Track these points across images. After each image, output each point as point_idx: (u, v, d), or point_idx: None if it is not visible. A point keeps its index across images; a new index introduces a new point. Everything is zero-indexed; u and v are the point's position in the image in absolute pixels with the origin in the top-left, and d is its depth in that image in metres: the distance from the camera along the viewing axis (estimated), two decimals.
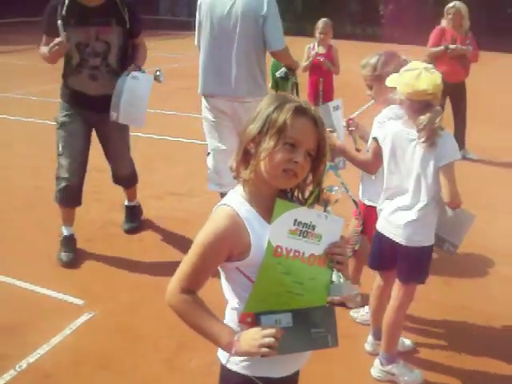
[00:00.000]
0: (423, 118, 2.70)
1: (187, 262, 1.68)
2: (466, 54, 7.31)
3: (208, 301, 1.72)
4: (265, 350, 1.56)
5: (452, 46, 7.24)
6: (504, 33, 25.63)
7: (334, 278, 1.70)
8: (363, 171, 3.42)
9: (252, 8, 4.14)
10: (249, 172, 1.67)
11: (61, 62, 4.21)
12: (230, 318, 1.76)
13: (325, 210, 1.75)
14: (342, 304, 3.78)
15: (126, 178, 4.78)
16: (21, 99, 10.34)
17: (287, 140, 1.62)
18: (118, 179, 4.76)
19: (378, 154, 3.12)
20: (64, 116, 4.29)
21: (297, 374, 1.87)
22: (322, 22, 7.31)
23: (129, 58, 4.37)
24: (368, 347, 3.40)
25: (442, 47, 7.29)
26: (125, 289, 4.00)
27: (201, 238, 1.66)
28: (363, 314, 3.68)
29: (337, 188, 1.78)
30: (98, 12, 4.11)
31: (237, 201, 1.68)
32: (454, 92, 7.44)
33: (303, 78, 7.18)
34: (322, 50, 7.23)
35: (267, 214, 1.65)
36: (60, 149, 4.27)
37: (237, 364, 1.74)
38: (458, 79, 7.42)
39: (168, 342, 3.43)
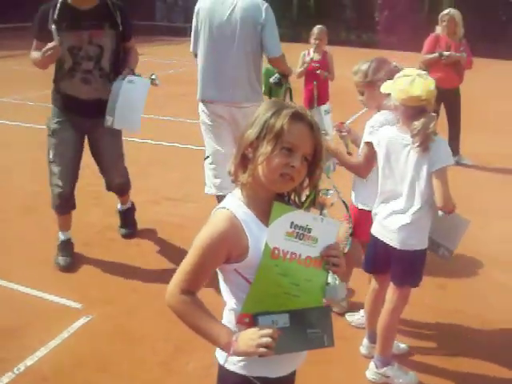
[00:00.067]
0: (417, 124, 2.76)
1: (186, 263, 1.71)
2: (460, 61, 7.38)
3: (206, 302, 1.75)
4: (262, 349, 1.59)
5: (446, 53, 7.31)
6: (498, 40, 25.79)
7: (330, 279, 1.74)
8: (355, 175, 3.47)
9: (251, 15, 4.22)
10: (247, 176, 1.71)
11: (51, 67, 4.17)
12: (228, 318, 1.80)
13: (321, 213, 1.79)
14: None
15: (120, 187, 4.70)
16: (18, 104, 10.38)
17: (284, 145, 1.66)
18: (112, 188, 4.69)
19: (369, 158, 3.19)
20: (56, 123, 4.23)
21: (293, 374, 1.90)
22: (317, 29, 7.39)
23: (121, 61, 4.33)
24: (363, 350, 3.44)
25: (436, 54, 7.36)
26: (122, 292, 4.03)
27: (200, 240, 1.70)
28: (358, 317, 3.72)
29: (332, 192, 1.82)
30: (90, 15, 4.07)
31: (235, 204, 1.72)
32: (448, 98, 7.50)
33: (298, 84, 7.25)
34: (316, 57, 7.29)
35: (265, 216, 1.69)
36: (51, 156, 4.23)
37: (234, 364, 1.77)
38: (452, 85, 7.48)
39: (165, 345, 3.46)
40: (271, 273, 1.66)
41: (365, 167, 3.28)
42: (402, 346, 3.48)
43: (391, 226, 2.97)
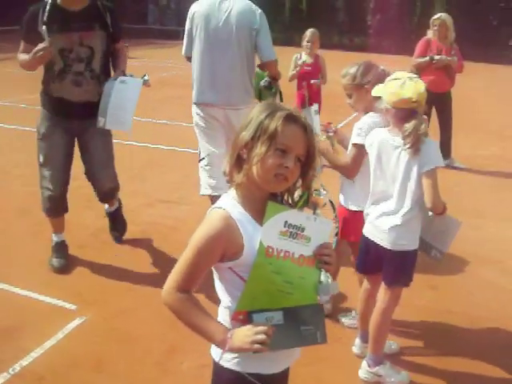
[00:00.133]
0: (408, 126, 2.81)
1: (182, 262, 1.75)
2: (451, 65, 7.45)
3: (201, 300, 1.79)
4: (257, 346, 1.63)
5: (437, 57, 7.38)
6: (490, 44, 25.95)
7: (323, 278, 1.77)
8: (342, 176, 3.52)
9: (246, 20, 4.33)
10: (242, 176, 1.75)
11: (39, 69, 4.11)
12: (223, 316, 1.83)
13: (314, 213, 1.83)
14: None
15: (111, 192, 4.58)
16: (11, 107, 10.39)
17: (278, 146, 1.70)
18: (103, 195, 4.53)
19: (357, 159, 3.28)
20: (45, 127, 4.20)
21: (287, 371, 1.94)
22: (309, 32, 7.45)
23: (111, 63, 4.33)
24: (356, 350, 3.48)
25: (427, 58, 7.43)
26: (116, 294, 4.06)
27: (195, 239, 1.73)
28: (351, 317, 3.76)
29: (325, 192, 1.86)
30: (80, 16, 4.02)
31: (230, 204, 1.76)
32: (440, 102, 7.57)
33: (290, 88, 7.30)
34: (309, 60, 7.33)
35: (259, 216, 1.73)
36: (41, 160, 4.21)
37: (229, 361, 1.80)
38: (443, 89, 7.55)
39: (160, 345, 3.48)
40: (265, 271, 1.70)
41: (352, 168, 3.35)
42: (394, 346, 3.52)
43: (382, 226, 3.02)
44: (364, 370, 3.25)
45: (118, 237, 4.90)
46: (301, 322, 1.75)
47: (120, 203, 4.97)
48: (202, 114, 4.52)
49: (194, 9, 4.46)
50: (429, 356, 3.51)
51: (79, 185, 4.45)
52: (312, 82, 6.77)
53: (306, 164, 1.77)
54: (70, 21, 3.98)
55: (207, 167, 4.53)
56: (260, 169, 1.71)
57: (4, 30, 21.20)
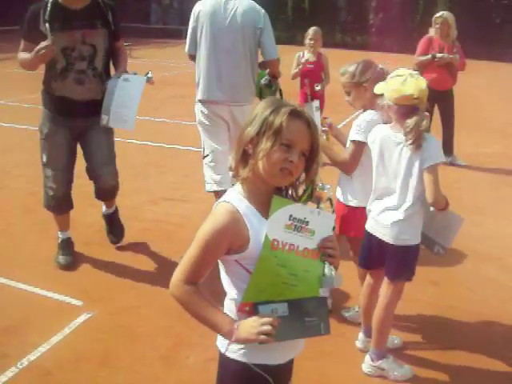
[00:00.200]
0: (410, 122, 2.85)
1: (189, 255, 1.79)
2: (453, 63, 7.48)
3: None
4: (263, 337, 1.68)
5: (439, 55, 7.42)
6: (492, 42, 25.98)
7: (327, 270, 1.81)
8: (341, 171, 3.57)
9: (250, 20, 4.45)
10: (247, 171, 1.79)
11: (39, 69, 4.09)
12: (229, 307, 1.87)
13: (317, 207, 1.87)
14: None
15: (112, 190, 4.52)
16: (14, 107, 10.44)
17: (283, 141, 1.74)
18: (103, 192, 4.49)
19: (355, 155, 3.35)
20: (48, 127, 4.19)
21: (291, 362, 1.98)
22: (312, 30, 7.47)
23: (113, 61, 4.34)
24: (359, 344, 3.52)
25: (429, 56, 7.47)
26: (122, 290, 4.10)
27: (202, 232, 1.77)
28: (354, 312, 3.80)
29: (329, 186, 1.90)
30: (82, 15, 4.01)
31: (236, 198, 1.80)
32: (442, 99, 7.61)
33: (292, 87, 7.34)
34: (311, 58, 7.36)
35: (264, 210, 1.77)
36: (44, 160, 4.23)
37: (235, 352, 1.84)
38: (445, 87, 7.59)
39: (165, 340, 3.53)
40: (270, 263, 1.74)
41: (351, 164, 3.41)
42: (397, 340, 3.56)
43: (385, 221, 3.07)
44: (367, 364, 3.29)
45: (115, 241, 4.81)
46: (305, 314, 1.79)
47: (116, 207, 4.88)
48: (206, 112, 4.57)
49: (198, 7, 4.53)
50: (431, 350, 3.55)
51: (82, 183, 4.48)
52: (316, 88, 6.77)
53: (310, 159, 1.81)
54: (72, 19, 3.97)
55: (211, 164, 4.59)
56: (266, 163, 1.75)
57: (4, 30, 21.27)
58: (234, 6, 4.45)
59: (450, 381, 3.27)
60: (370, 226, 3.20)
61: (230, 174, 1.92)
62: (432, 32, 7.75)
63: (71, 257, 4.46)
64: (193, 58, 4.69)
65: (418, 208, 3.01)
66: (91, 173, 4.37)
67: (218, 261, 1.85)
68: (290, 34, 26.60)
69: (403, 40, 23.10)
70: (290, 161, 1.74)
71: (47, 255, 4.49)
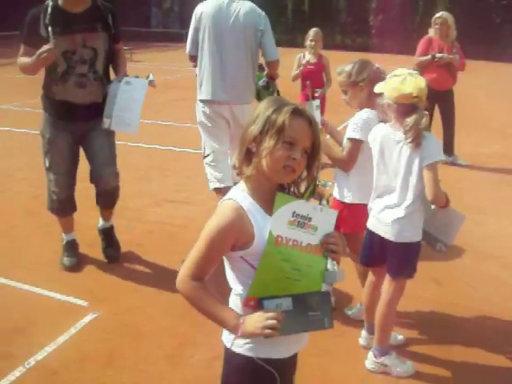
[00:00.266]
0: (409, 120, 2.90)
1: (196, 251, 1.83)
2: (453, 63, 7.52)
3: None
4: (268, 331, 1.72)
5: (439, 55, 7.45)
6: (492, 42, 26.00)
7: (329, 265, 1.85)
8: (337, 169, 3.62)
9: (252, 22, 4.58)
10: (252, 169, 1.83)
11: (39, 74, 4.08)
12: (234, 303, 1.91)
13: (320, 203, 1.91)
14: None
15: (112, 193, 4.43)
16: (17, 111, 10.50)
17: (286, 139, 1.78)
18: (105, 194, 4.42)
19: (352, 153, 3.43)
20: (49, 132, 4.19)
21: (295, 356, 2.01)
22: (312, 31, 7.48)
23: (113, 64, 4.33)
24: (362, 341, 3.56)
25: (429, 56, 7.50)
26: (126, 291, 4.14)
27: (208, 229, 1.81)
28: (356, 310, 3.84)
29: (330, 183, 1.94)
30: (82, 18, 4.00)
31: (240, 195, 1.84)
32: (443, 99, 7.65)
33: (294, 88, 7.38)
34: (312, 59, 7.38)
35: (268, 206, 1.81)
36: (47, 164, 4.24)
37: (241, 346, 1.88)
38: (445, 87, 7.63)
39: (169, 340, 3.56)
40: (275, 259, 1.78)
41: (348, 162, 3.48)
42: (400, 337, 3.59)
43: (386, 219, 3.11)
44: (370, 361, 3.32)
45: (113, 258, 4.59)
46: (309, 308, 1.83)
47: (112, 224, 4.76)
48: (208, 112, 4.66)
49: (201, 9, 4.64)
50: (433, 347, 3.58)
51: (86, 186, 4.49)
52: (317, 93, 6.76)
53: (311, 156, 1.85)
54: (72, 23, 3.96)
55: (213, 163, 4.68)
56: (269, 161, 1.79)
57: (5, 36, 21.33)
58: (236, 7, 4.57)
59: (452, 377, 3.31)
60: (372, 224, 3.24)
61: (234, 172, 1.96)
62: (431, 32, 7.79)
63: (76, 258, 4.50)
64: (193, 58, 4.81)
65: (419, 206, 3.05)
66: (93, 173, 4.35)
67: (223, 257, 1.89)
68: (290, 37, 26.67)
69: (403, 41, 23.13)
70: (293, 158, 1.79)
71: (52, 257, 4.54)
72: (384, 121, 3.17)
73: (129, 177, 6.58)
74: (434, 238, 3.21)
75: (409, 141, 2.92)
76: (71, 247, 4.57)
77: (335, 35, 28.68)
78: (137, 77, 4.27)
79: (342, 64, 3.64)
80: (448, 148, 7.95)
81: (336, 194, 3.65)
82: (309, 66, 7.33)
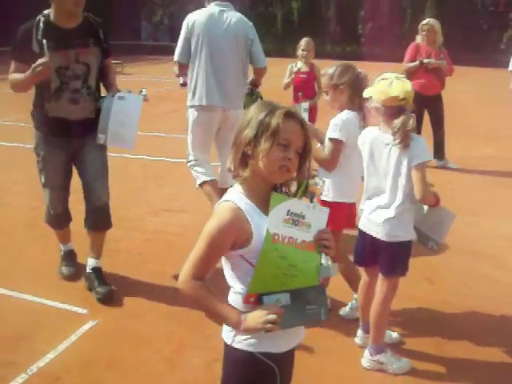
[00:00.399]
0: (397, 122, 3.00)
1: (196, 252, 1.90)
2: (441, 68, 7.65)
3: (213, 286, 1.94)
4: (269, 325, 1.80)
5: (426, 60, 7.59)
6: (480, 48, 26.25)
7: (323, 260, 1.93)
8: (320, 167, 3.72)
9: (243, 31, 4.85)
10: (248, 171, 1.91)
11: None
12: (234, 301, 1.97)
13: (311, 202, 2.00)
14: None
15: (103, 210, 4.26)
16: (11, 126, 10.57)
17: (281, 141, 1.87)
18: (96, 212, 4.24)
19: (334, 153, 3.55)
20: (43, 149, 4.15)
21: (293, 350, 2.09)
22: (304, 41, 7.53)
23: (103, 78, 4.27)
24: (358, 340, 3.63)
25: (417, 62, 7.64)
26: (126, 298, 4.20)
27: (208, 230, 1.89)
28: (348, 310, 3.93)
29: (321, 182, 2.03)
30: (75, 33, 3.96)
31: (236, 196, 1.92)
32: (431, 104, 7.79)
33: (285, 97, 7.46)
34: (304, 68, 7.45)
35: (264, 206, 1.89)
36: (43, 181, 4.24)
37: (240, 342, 1.96)
38: (434, 92, 7.76)
39: (169, 344, 3.63)
40: (272, 256, 1.85)
41: (331, 162, 3.60)
42: (394, 335, 3.67)
43: (377, 219, 3.20)
44: (366, 359, 3.39)
45: (109, 295, 4.17)
46: (306, 302, 1.91)
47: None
48: (201, 118, 4.93)
49: (193, 18, 4.84)
50: (428, 344, 3.66)
51: (81, 196, 4.52)
52: (308, 102, 6.82)
53: (302, 156, 1.94)
54: (65, 38, 3.92)
55: (197, 166, 5.10)
56: (266, 162, 1.87)
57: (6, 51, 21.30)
58: (227, 17, 4.80)
59: (447, 373, 3.38)
60: (363, 225, 3.33)
61: (229, 175, 2.04)
62: (419, 39, 7.93)
63: (74, 267, 4.55)
64: (182, 67, 5.01)
65: (408, 205, 3.14)
66: (86, 187, 4.26)
67: (223, 257, 1.96)
68: (279, 47, 26.85)
69: (392, 48, 23.34)
70: (289, 158, 1.87)
71: (51, 267, 4.59)
72: (365, 122, 3.35)
73: (127, 187, 6.68)
74: (425, 236, 3.29)
75: (397, 142, 3.02)
76: (69, 257, 4.62)
77: (325, 44, 28.89)
78: (129, 92, 4.24)
79: None
80: (439, 152, 8.07)
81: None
82: (301, 75, 7.35)
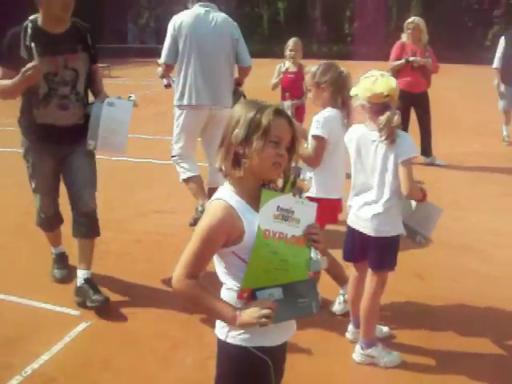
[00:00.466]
0: (382, 118, 3.06)
1: (189, 251, 1.94)
2: (426, 66, 7.73)
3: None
4: (264, 320, 1.85)
5: (411, 58, 7.67)
6: (465, 45, 26.43)
7: (313, 254, 1.98)
8: (304, 164, 3.76)
9: (229, 31, 5.00)
10: (242, 170, 1.94)
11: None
12: (226, 297, 2.01)
13: (300, 197, 2.05)
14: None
15: (90, 216, 4.18)
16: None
17: (272, 138, 1.91)
18: (83, 218, 4.15)
19: (317, 150, 3.62)
20: (31, 156, 4.13)
21: (285, 344, 2.13)
22: (291, 41, 7.52)
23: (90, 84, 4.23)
24: (349, 336, 3.68)
25: (403, 60, 7.71)
26: (117, 298, 4.22)
27: (200, 228, 1.93)
28: (337, 305, 3.98)
29: (309, 178, 2.07)
30: (63, 39, 3.92)
31: (227, 194, 1.96)
32: (418, 102, 7.87)
33: (273, 97, 7.50)
34: (292, 68, 7.47)
35: (254, 203, 1.93)
36: (33, 186, 4.23)
37: (234, 337, 2.00)
38: (420, 89, 7.84)
39: (162, 343, 3.66)
40: (264, 251, 1.90)
41: (314, 159, 3.66)
42: (385, 330, 3.72)
43: (365, 215, 3.26)
44: (358, 353, 3.44)
45: (106, 297, 4.07)
46: (298, 296, 1.96)
47: None
48: (187, 117, 5.06)
49: (180, 19, 4.93)
50: (417, 337, 3.72)
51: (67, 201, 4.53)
52: (294, 101, 6.84)
53: (289, 152, 1.99)
54: (54, 43, 3.87)
55: (182, 162, 5.27)
56: (259, 160, 1.91)
57: None
58: (213, 17, 4.93)
59: (437, 365, 3.44)
60: (351, 221, 3.39)
61: (219, 175, 2.08)
62: (404, 37, 8.00)
63: (66, 270, 4.56)
64: (168, 68, 5.09)
65: (396, 201, 3.20)
66: (72, 194, 4.19)
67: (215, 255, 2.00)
68: (266, 47, 26.88)
69: (379, 47, 23.46)
70: (281, 155, 1.92)
71: (43, 270, 4.61)
72: (348, 125, 3.49)
73: (115, 189, 6.70)
74: (413, 230, 3.35)
75: (383, 139, 3.08)
76: (61, 260, 4.64)
77: (312, 44, 28.93)
78: (119, 98, 4.21)
79: None
80: (426, 149, 8.15)
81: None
82: (289, 75, 7.33)
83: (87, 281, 4.14)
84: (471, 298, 4.23)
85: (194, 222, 5.50)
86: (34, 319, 3.95)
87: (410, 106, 7.80)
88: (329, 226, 3.95)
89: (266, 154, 1.90)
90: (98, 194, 4.27)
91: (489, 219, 5.90)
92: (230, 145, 1.96)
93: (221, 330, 2.04)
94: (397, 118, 3.04)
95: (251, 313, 1.87)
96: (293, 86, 7.28)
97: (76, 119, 4.08)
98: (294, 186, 2.04)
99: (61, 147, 4.11)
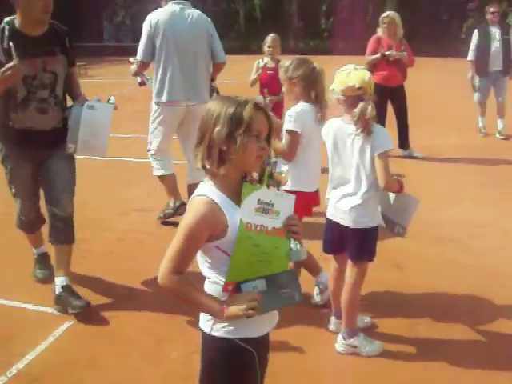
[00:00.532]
0: (356, 110, 3.12)
1: (174, 247, 1.97)
2: (402, 59, 7.81)
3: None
4: (250, 311, 1.90)
5: (387, 53, 7.74)
6: (441, 38, 26.63)
7: (292, 245, 2.02)
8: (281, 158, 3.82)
9: (204, 27, 5.10)
10: (227, 167, 1.97)
11: None
12: (210, 290, 2.04)
13: (278, 190, 2.09)
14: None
15: (67, 222, 4.15)
16: None
17: (254, 133, 1.95)
18: (60, 222, 4.10)
19: (291, 144, 3.71)
20: (10, 162, 4.08)
21: (268, 335, 2.18)
22: (270, 37, 7.50)
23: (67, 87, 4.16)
24: (331, 327, 3.73)
25: (378, 55, 7.79)
26: (100, 297, 4.24)
27: (184, 224, 1.95)
28: (315, 296, 4.04)
29: (286, 171, 2.12)
30: (41, 41, 3.85)
31: (209, 190, 1.99)
32: (395, 95, 7.96)
33: (251, 94, 7.53)
34: (270, 64, 7.48)
35: (235, 197, 1.97)
36: (13, 191, 4.20)
37: (219, 330, 2.04)
38: (396, 83, 7.92)
39: (146, 339, 3.69)
40: (246, 244, 1.94)
41: (289, 153, 3.75)
42: (367, 319, 3.79)
43: (343, 207, 3.32)
44: (340, 343, 3.50)
45: (89, 303, 4.00)
46: (280, 287, 2.01)
47: None
48: (165, 113, 5.15)
49: (156, 16, 4.98)
50: (398, 326, 3.80)
51: None
52: (271, 98, 6.86)
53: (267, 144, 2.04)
54: (32, 46, 3.80)
55: (157, 159, 5.45)
56: (243, 155, 1.95)
57: None
58: (188, 13, 5.03)
59: (418, 352, 3.52)
60: (330, 213, 3.45)
61: (198, 172, 2.10)
62: (380, 32, 8.07)
63: (48, 270, 4.55)
64: (144, 65, 5.14)
65: (373, 193, 3.27)
66: (51, 198, 4.13)
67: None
68: (243, 43, 26.85)
69: (355, 42, 23.57)
70: (262, 148, 1.98)
71: (25, 271, 4.60)
72: (322, 119, 3.61)
73: (95, 189, 6.69)
74: (391, 221, 3.41)
75: (359, 131, 3.13)
76: (43, 260, 4.64)
77: (288, 40, 28.91)
78: (98, 100, 4.17)
79: None
80: (403, 142, 8.24)
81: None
82: (268, 72, 7.30)
83: (65, 288, 4.07)
84: (448, 286, 4.32)
85: (164, 216, 5.56)
86: (17, 320, 3.96)
87: (387, 100, 7.90)
88: (307, 219, 4.01)
89: (250, 148, 1.94)
90: (77, 192, 4.27)
91: (465, 210, 6.00)
92: (212, 143, 1.97)
93: (205, 324, 2.08)
94: (371, 110, 3.09)
95: (238, 305, 1.91)
96: (271, 82, 7.26)
97: (55, 123, 4.03)
98: (271, 179, 2.08)
99: (39, 152, 4.06)
